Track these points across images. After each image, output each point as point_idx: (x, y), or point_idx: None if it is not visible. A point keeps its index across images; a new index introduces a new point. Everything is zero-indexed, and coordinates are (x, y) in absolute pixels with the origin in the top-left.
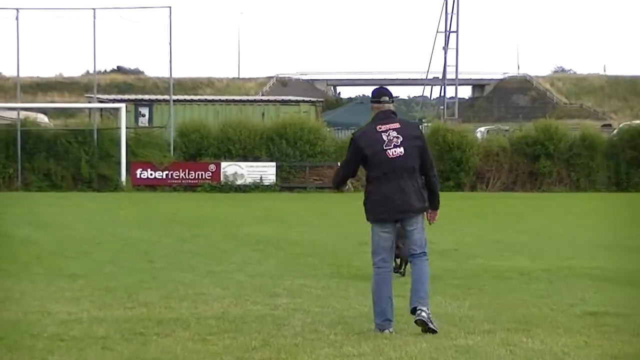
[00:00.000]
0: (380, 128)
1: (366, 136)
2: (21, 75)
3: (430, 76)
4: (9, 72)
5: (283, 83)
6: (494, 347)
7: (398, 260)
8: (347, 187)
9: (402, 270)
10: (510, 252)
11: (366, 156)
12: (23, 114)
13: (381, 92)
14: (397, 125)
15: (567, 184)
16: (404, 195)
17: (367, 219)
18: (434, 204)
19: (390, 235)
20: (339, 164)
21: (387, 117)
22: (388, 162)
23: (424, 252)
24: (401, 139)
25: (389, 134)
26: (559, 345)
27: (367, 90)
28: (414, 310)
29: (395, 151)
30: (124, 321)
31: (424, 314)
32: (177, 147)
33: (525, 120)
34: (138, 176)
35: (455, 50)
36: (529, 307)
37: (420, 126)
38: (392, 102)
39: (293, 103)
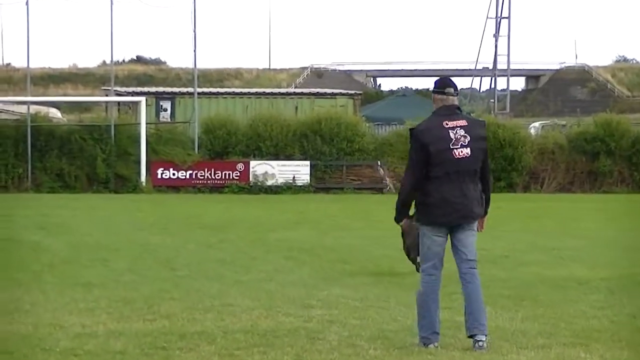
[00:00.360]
0: (447, 124)
1: (431, 132)
2: (32, 66)
3: (479, 66)
4: (19, 62)
5: (318, 74)
6: None
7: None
8: (388, 187)
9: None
10: (566, 260)
11: (430, 154)
12: (33, 108)
13: (446, 82)
14: (464, 122)
15: (630, 184)
16: (466, 199)
17: (418, 222)
18: (485, 210)
19: (443, 240)
20: (379, 162)
21: (453, 112)
22: (453, 162)
23: (475, 261)
24: (468, 138)
25: (456, 132)
26: None
27: (410, 82)
28: (471, 337)
29: (462, 151)
30: (144, 335)
31: (485, 344)
32: (202, 145)
33: (584, 115)
34: (159, 176)
35: (506, 38)
36: (587, 319)
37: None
38: (457, 95)
39: (329, 96)
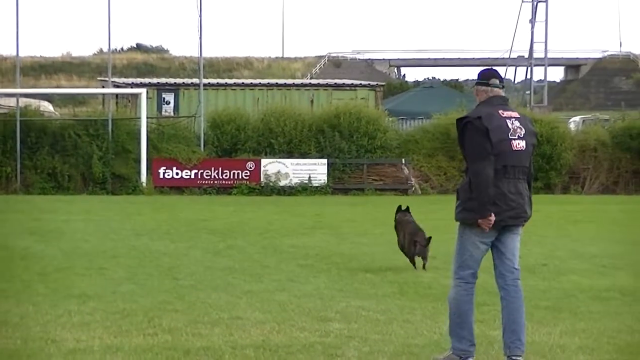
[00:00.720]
0: (503, 113)
1: (492, 118)
2: (21, 55)
3: (513, 55)
4: (7, 51)
5: (336, 63)
6: None
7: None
8: (413, 188)
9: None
10: (609, 268)
11: (491, 142)
12: (23, 101)
13: (491, 73)
14: (516, 114)
15: None
16: (520, 198)
17: (462, 221)
18: None
19: (487, 247)
20: (403, 161)
21: (504, 103)
22: (511, 154)
23: (519, 271)
24: (524, 131)
25: (512, 122)
26: None
27: (437, 72)
28: (510, 356)
29: (519, 144)
30: (144, 350)
31: None
32: (208, 141)
33: (629, 108)
34: (161, 176)
35: (544, 24)
36: (632, 333)
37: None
38: (503, 87)
39: (348, 87)
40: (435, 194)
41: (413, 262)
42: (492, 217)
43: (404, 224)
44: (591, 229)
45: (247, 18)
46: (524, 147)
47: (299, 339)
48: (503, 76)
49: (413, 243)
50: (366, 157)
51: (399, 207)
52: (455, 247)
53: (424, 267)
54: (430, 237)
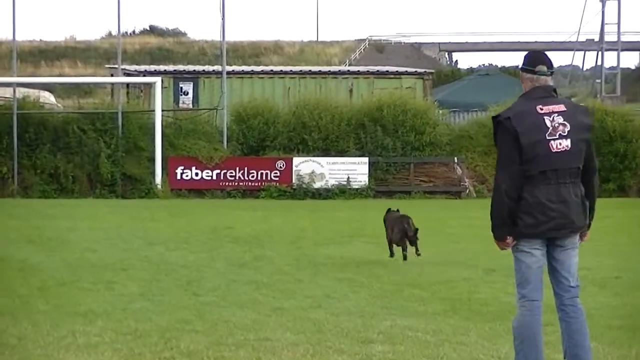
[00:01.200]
0: (541, 109)
1: (524, 118)
2: (19, 38)
3: (582, 38)
4: (3, 34)
5: (378, 48)
6: None
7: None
8: (467, 190)
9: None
10: None
11: (521, 147)
12: (21, 91)
13: (538, 57)
14: (562, 107)
15: None
16: (564, 206)
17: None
18: (589, 221)
19: (543, 253)
20: (455, 159)
21: (548, 94)
22: (549, 157)
23: (578, 289)
24: (568, 127)
25: (553, 119)
26: None
27: (494, 58)
28: None
29: (560, 143)
30: None
31: None
32: (232, 137)
33: None
34: (178, 177)
35: (616, 2)
36: None
37: (589, 112)
38: (552, 74)
39: (392, 75)
40: None
41: (404, 250)
42: (509, 240)
43: (391, 219)
44: None
45: None
46: (569, 146)
47: None
48: (570, 62)
49: (401, 226)
50: (413, 156)
51: (389, 209)
52: (513, 262)
53: (416, 251)
54: (417, 229)
